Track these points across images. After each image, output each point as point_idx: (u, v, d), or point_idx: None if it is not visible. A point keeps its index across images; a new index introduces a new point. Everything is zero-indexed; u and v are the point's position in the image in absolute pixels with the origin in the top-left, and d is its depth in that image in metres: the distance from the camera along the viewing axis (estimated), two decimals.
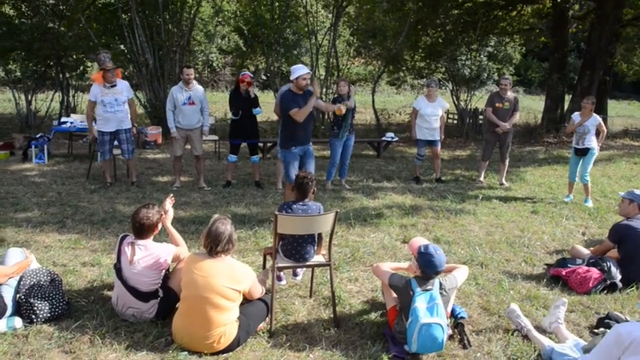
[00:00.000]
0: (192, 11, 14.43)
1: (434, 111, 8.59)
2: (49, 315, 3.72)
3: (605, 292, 4.62)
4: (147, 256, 3.74)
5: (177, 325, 3.48)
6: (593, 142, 7.76)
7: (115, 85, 7.58)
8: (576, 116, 7.89)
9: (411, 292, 3.50)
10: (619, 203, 5.36)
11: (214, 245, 3.40)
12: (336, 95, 8.36)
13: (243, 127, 7.86)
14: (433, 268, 3.54)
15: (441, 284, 3.58)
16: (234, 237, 3.50)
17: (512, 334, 3.85)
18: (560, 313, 3.92)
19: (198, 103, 7.77)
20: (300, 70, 6.40)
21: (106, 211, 6.64)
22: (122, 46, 14.43)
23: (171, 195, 4.41)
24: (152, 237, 3.87)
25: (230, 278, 3.39)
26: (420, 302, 3.44)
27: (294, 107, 6.37)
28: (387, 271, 3.81)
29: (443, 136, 8.92)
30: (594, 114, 7.77)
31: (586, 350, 3.36)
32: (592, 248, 5.31)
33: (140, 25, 13.06)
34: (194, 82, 7.82)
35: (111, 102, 7.55)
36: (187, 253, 3.97)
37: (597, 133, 7.85)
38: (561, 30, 16.25)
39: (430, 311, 3.42)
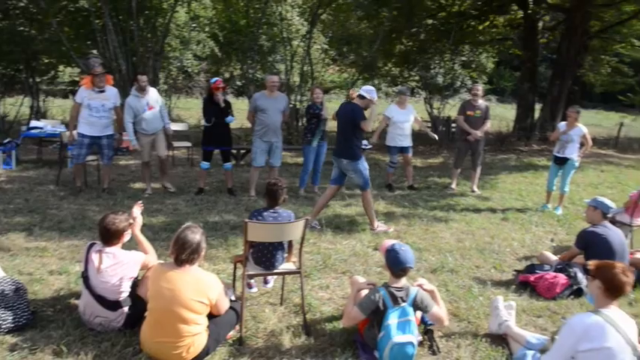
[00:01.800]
0: (167, 17, 14.32)
1: (406, 118, 8.71)
2: (12, 325, 3.64)
3: (572, 297, 4.72)
4: (115, 264, 3.69)
5: (145, 335, 3.44)
6: (574, 153, 7.80)
7: (103, 91, 7.51)
8: (562, 125, 7.91)
9: (383, 308, 3.50)
10: (585, 210, 5.48)
11: (180, 253, 3.35)
12: (310, 103, 8.39)
13: (216, 134, 7.85)
14: (399, 265, 3.55)
15: (415, 297, 3.56)
16: (202, 247, 3.43)
17: (481, 340, 3.90)
18: (503, 312, 3.97)
19: (157, 106, 7.84)
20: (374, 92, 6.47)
21: (75, 218, 6.53)
22: (95, 51, 14.24)
23: (140, 202, 4.35)
24: (120, 244, 3.82)
25: (196, 290, 3.34)
26: (393, 319, 3.45)
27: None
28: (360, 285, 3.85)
29: (432, 131, 9.12)
30: (580, 125, 7.79)
31: (542, 351, 3.44)
32: (560, 255, 5.42)
33: (113, 30, 12.91)
34: (148, 86, 7.87)
35: (97, 107, 7.47)
36: (157, 261, 3.92)
37: (582, 145, 7.90)
38: (532, 40, 16.58)
39: (402, 329, 3.43)
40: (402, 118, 8.70)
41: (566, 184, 7.95)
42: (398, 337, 3.38)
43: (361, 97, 6.37)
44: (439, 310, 3.65)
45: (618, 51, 20.36)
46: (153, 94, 7.85)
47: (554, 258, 5.32)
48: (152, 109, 7.74)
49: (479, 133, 8.60)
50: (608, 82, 22.08)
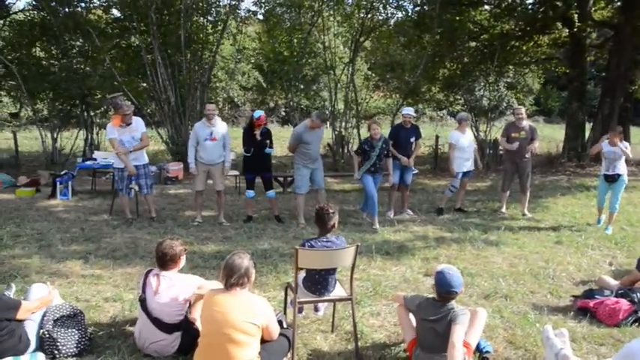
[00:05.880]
0: (214, 49, 14.76)
1: (468, 142, 8.72)
2: (71, 350, 3.74)
3: (637, 324, 4.49)
4: (172, 286, 3.77)
5: None
6: (623, 169, 7.74)
7: (130, 124, 7.69)
8: (606, 145, 7.82)
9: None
10: None
11: (229, 277, 3.39)
12: (367, 139, 8.05)
13: (255, 162, 7.95)
14: (444, 287, 3.54)
15: (450, 311, 3.54)
16: (250, 271, 3.46)
17: None
18: (556, 341, 3.79)
19: (221, 139, 7.85)
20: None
21: (128, 247, 6.70)
22: (145, 84, 14.78)
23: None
24: (177, 269, 3.89)
25: (247, 312, 3.35)
26: None
27: None
28: (400, 295, 3.99)
29: (481, 165, 9.25)
30: (621, 142, 7.74)
31: None
32: (621, 279, 5.19)
33: (162, 63, 13.40)
34: (217, 117, 7.93)
35: (128, 140, 7.67)
36: (212, 286, 3.94)
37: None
38: (579, 59, 16.22)
39: None
40: (464, 142, 8.68)
41: (616, 202, 7.81)
42: None
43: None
44: (461, 330, 3.47)
45: None
46: (220, 128, 7.89)
47: (614, 282, 5.10)
48: (214, 141, 7.79)
49: (514, 147, 8.45)
50: None
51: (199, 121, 7.97)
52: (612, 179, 7.76)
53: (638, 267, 4.92)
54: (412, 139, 8.57)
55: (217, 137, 7.81)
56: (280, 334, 3.65)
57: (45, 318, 3.82)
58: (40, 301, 3.89)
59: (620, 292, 4.81)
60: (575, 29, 15.22)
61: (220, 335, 3.31)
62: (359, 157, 7.99)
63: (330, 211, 4.12)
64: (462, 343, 3.47)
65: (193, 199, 8.52)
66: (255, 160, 7.94)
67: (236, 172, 11.39)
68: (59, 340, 3.71)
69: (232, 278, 3.38)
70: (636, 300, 4.61)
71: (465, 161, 8.74)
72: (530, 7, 16.01)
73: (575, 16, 15.11)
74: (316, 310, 4.64)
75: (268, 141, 7.94)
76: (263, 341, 3.50)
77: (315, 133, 7.83)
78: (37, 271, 5.67)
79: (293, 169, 8.27)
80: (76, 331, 3.81)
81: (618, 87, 15.47)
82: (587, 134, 16.44)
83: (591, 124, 16.73)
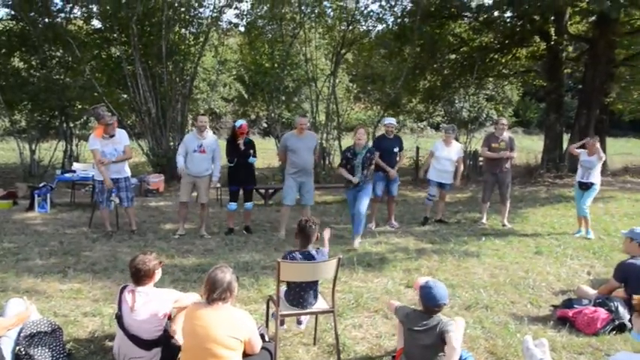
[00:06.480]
0: (195, 61, 14.73)
1: (449, 155, 8.74)
2: None
3: (614, 332, 4.56)
4: (149, 302, 3.71)
5: None
6: (597, 178, 8.03)
7: (113, 135, 7.61)
8: (583, 152, 8.15)
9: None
10: (622, 242, 5.35)
11: (211, 292, 3.35)
12: (350, 147, 7.77)
13: (240, 172, 7.91)
14: (432, 301, 3.54)
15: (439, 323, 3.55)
16: (233, 286, 3.42)
17: None
18: (536, 351, 3.84)
19: (210, 152, 7.80)
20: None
21: (107, 260, 6.61)
22: (125, 96, 14.67)
23: None
24: (152, 283, 3.84)
25: (230, 326, 3.33)
26: None
27: None
28: (393, 304, 3.98)
29: (458, 181, 9.03)
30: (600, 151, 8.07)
31: None
32: (599, 288, 5.26)
33: (143, 75, 13.32)
34: (208, 130, 7.89)
35: (111, 152, 7.58)
36: (191, 300, 3.91)
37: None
38: (556, 71, 16.52)
39: None
40: (445, 154, 8.74)
41: (585, 207, 8.08)
42: None
43: None
44: (456, 337, 3.51)
45: None
46: (210, 140, 7.82)
47: (592, 292, 5.18)
48: (203, 154, 7.73)
49: (508, 153, 8.58)
50: (637, 110, 21.68)
51: (190, 132, 7.90)
52: (586, 187, 8.06)
53: (615, 276, 4.99)
54: (396, 150, 8.58)
55: (206, 150, 7.75)
56: (262, 348, 3.62)
57: (21, 334, 3.74)
58: (17, 318, 3.80)
59: (598, 301, 4.88)
60: (552, 42, 15.55)
61: (202, 350, 3.28)
62: (344, 168, 7.69)
63: (313, 223, 4.14)
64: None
65: (174, 212, 8.45)
66: (240, 171, 7.89)
67: (218, 184, 11.32)
68: (35, 357, 3.63)
69: (215, 293, 3.35)
70: (614, 309, 4.68)
71: (439, 172, 8.80)
72: (508, 20, 16.29)
73: (552, 29, 15.44)
74: (299, 323, 4.63)
75: (252, 150, 7.92)
76: (245, 355, 3.47)
77: (302, 140, 7.74)
78: (14, 285, 5.56)
79: (275, 181, 8.25)
80: (54, 348, 3.74)
81: (594, 99, 15.80)
82: (564, 145, 16.71)
83: (569, 135, 17.01)
